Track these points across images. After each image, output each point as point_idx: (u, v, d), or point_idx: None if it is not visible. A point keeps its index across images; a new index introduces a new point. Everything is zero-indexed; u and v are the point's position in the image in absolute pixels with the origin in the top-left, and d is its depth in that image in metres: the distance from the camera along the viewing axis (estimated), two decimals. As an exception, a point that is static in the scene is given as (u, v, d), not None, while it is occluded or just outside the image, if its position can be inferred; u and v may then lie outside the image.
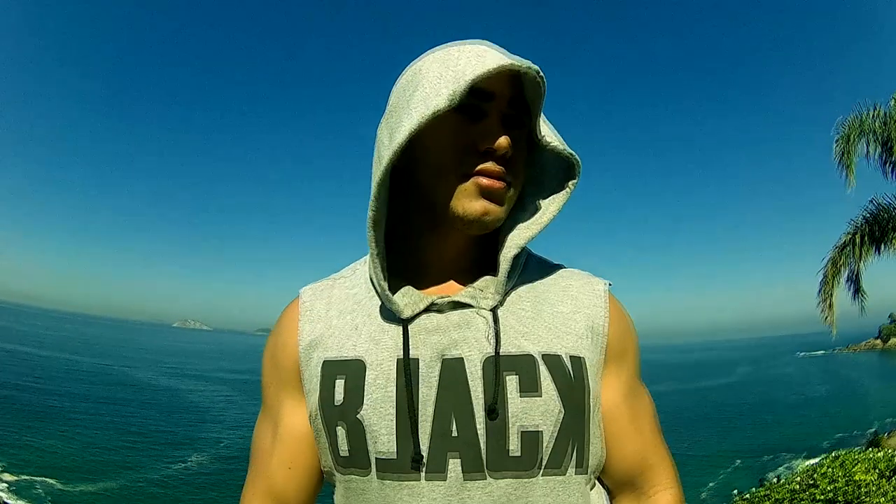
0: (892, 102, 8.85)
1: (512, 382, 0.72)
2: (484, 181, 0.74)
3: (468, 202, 0.74)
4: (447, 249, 0.82)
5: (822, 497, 4.67)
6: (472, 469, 0.70)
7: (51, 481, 29.07)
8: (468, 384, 0.72)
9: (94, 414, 46.06)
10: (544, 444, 0.72)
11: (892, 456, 5.45)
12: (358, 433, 0.73)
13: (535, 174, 0.84)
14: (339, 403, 0.74)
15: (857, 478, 4.78)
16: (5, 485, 27.36)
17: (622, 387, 0.82)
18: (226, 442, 40.08)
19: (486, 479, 0.70)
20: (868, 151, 8.82)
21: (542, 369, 0.73)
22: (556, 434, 0.72)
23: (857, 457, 5.40)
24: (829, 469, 5.11)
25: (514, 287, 0.80)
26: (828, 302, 9.22)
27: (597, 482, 0.82)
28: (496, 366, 0.72)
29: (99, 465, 32.49)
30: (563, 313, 0.79)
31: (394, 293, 0.77)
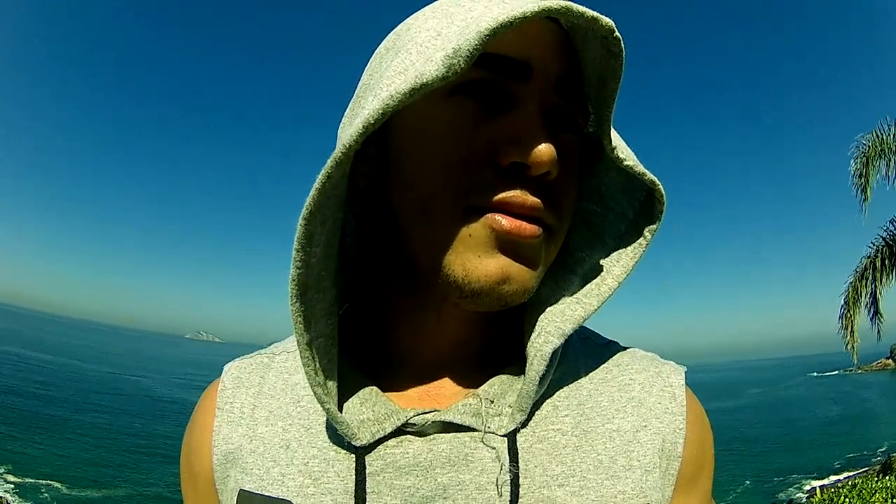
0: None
1: None
2: (506, 223, 0.42)
3: (475, 259, 0.43)
4: (438, 331, 0.50)
5: (841, 527, 4.58)
6: None
7: (57, 485, 29.18)
8: None
9: (104, 421, 46.30)
10: None
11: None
12: None
13: (590, 210, 0.53)
14: None
15: (875, 507, 4.68)
16: (10, 486, 27.53)
17: None
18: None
19: None
20: (888, 171, 8.66)
21: None
22: None
23: (874, 486, 5.28)
24: (847, 500, 5.00)
25: (546, 392, 0.49)
26: (849, 328, 9.03)
27: None
28: None
29: (106, 472, 32.59)
30: (624, 432, 0.49)
31: (348, 398, 0.48)
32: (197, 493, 0.56)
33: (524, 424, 0.47)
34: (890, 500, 4.96)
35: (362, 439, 0.45)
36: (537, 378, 0.45)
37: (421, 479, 0.44)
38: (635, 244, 0.51)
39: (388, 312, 0.52)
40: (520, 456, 0.45)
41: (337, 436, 0.47)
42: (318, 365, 0.44)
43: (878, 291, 8.97)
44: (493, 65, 0.41)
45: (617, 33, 0.39)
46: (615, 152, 0.45)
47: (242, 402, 0.54)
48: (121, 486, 30.62)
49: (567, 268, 0.51)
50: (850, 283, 9.20)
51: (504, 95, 0.42)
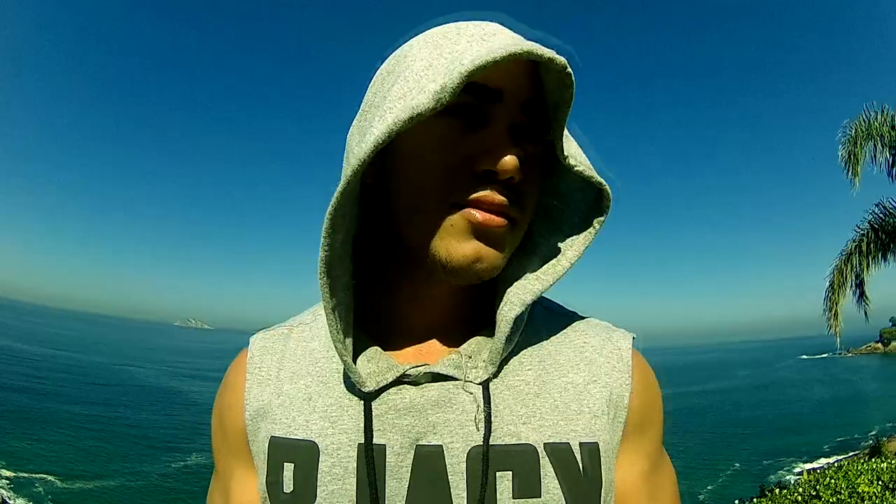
0: (902, 106, 8.71)
1: (504, 482, 0.56)
2: (479, 216, 0.54)
3: (455, 243, 0.55)
4: (427, 301, 0.63)
5: (826, 509, 4.63)
6: None
7: (50, 478, 29.17)
8: (448, 481, 0.56)
9: (95, 413, 46.20)
10: None
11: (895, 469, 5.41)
12: None
13: (550, 205, 0.66)
14: (288, 492, 0.59)
15: (860, 489, 4.73)
16: (5, 481, 27.44)
17: (642, 463, 0.64)
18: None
19: None
20: (875, 155, 8.69)
21: (546, 464, 0.57)
22: None
23: (860, 467, 5.34)
24: (832, 480, 5.07)
25: (513, 351, 0.62)
26: (833, 311, 9.11)
27: None
28: (484, 461, 0.56)
29: (99, 463, 32.61)
30: (577, 384, 0.61)
31: (357, 356, 0.60)
32: (228, 446, 0.66)
33: (495, 375, 0.59)
34: (876, 482, 5.01)
35: (369, 387, 0.57)
36: (504, 338, 0.59)
37: (416, 418, 0.57)
38: (586, 233, 0.63)
39: (387, 287, 0.64)
40: (492, 399, 0.58)
41: (349, 387, 0.60)
42: (339, 327, 0.57)
43: (864, 275, 9.04)
44: (474, 91, 0.53)
45: (569, 69, 0.51)
46: (567, 160, 0.58)
47: (269, 365, 0.66)
48: (113, 476, 30.66)
49: (529, 251, 0.63)
50: (836, 266, 9.27)
51: (480, 115, 0.54)
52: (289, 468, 0.59)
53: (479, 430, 0.57)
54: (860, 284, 9.15)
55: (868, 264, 8.92)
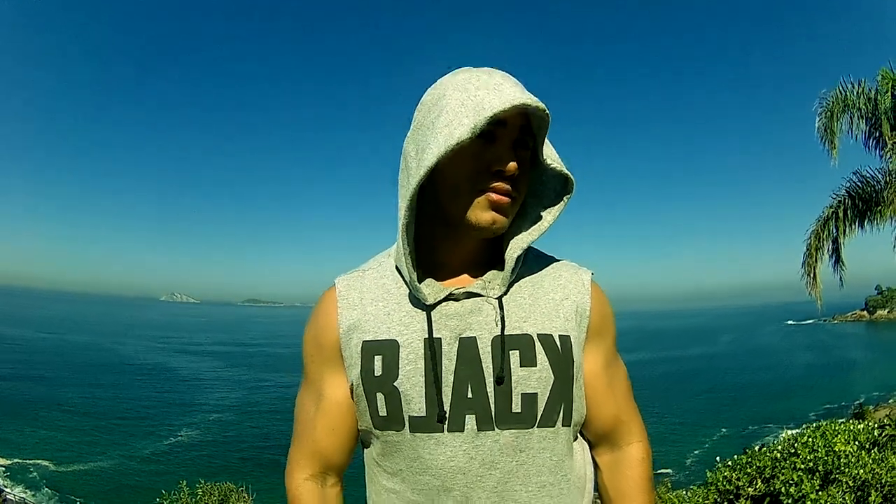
0: (879, 78, 8.88)
1: (514, 357, 0.91)
2: (494, 197, 0.89)
3: (480, 213, 0.90)
4: (461, 250, 0.98)
5: (803, 466, 4.79)
6: (484, 424, 0.90)
7: (44, 463, 29.19)
8: (480, 359, 0.91)
9: (85, 394, 45.91)
10: (539, 405, 0.91)
11: (873, 428, 5.60)
12: (395, 399, 0.91)
13: (536, 188, 1.00)
14: (378, 375, 0.92)
15: (837, 448, 4.90)
16: (0, 469, 27.44)
17: (601, 358, 1.02)
18: (215, 416, 40.67)
19: (494, 430, 0.90)
20: (852, 127, 8.88)
21: (538, 346, 0.92)
22: (548, 397, 0.92)
23: (838, 428, 5.51)
24: (811, 439, 5.22)
25: (515, 280, 0.97)
26: (812, 274, 9.34)
27: (580, 435, 1.04)
28: (502, 344, 0.91)
29: (91, 445, 32.59)
30: (555, 300, 0.98)
31: (419, 284, 0.94)
32: (323, 357, 0.99)
33: (505, 293, 0.95)
34: (852, 441, 5.18)
35: (430, 301, 0.92)
36: (510, 271, 0.95)
37: (459, 320, 0.92)
38: (559, 205, 0.99)
39: (436, 243, 0.97)
40: (504, 308, 0.94)
41: (414, 304, 0.94)
42: (411, 266, 0.91)
43: (840, 240, 9.25)
44: (491, 121, 0.84)
45: (547, 111, 0.87)
46: (545, 160, 0.94)
47: (353, 296, 0.99)
48: (107, 458, 30.71)
49: (523, 216, 0.99)
50: (813, 230, 9.48)
51: (493, 135, 0.88)
52: (378, 359, 0.92)
53: (497, 326, 0.92)
54: (837, 251, 9.37)
55: (844, 230, 9.11)
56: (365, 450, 1.03)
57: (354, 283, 1.01)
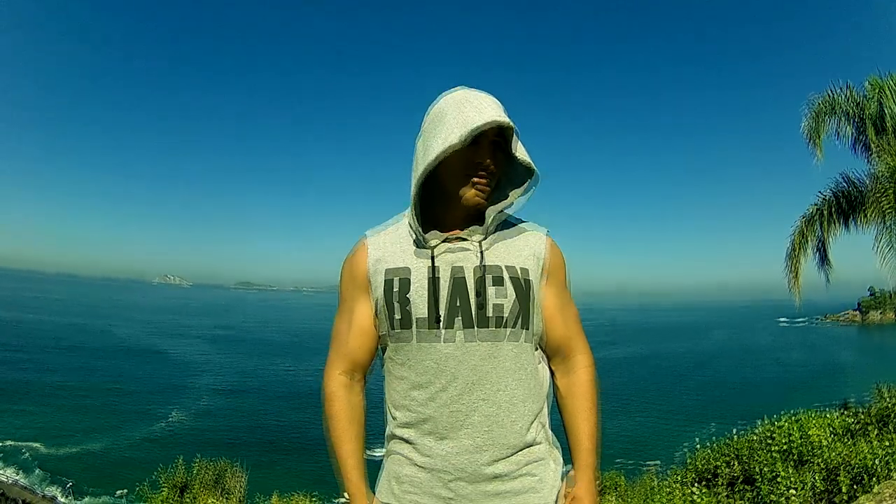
0: (867, 85, 9.09)
1: (489, 280, 1.28)
2: (477, 181, 1.29)
3: (468, 193, 1.30)
4: (454, 214, 1.34)
5: (778, 450, 5.02)
6: (467, 325, 1.26)
7: (36, 445, 29.29)
8: (465, 281, 1.28)
9: (76, 377, 45.81)
10: (505, 312, 1.28)
11: (846, 417, 5.85)
12: (407, 306, 1.28)
13: (510, 172, 1.38)
14: (396, 290, 1.29)
15: (811, 434, 5.13)
16: (-7, 451, 27.53)
17: (554, 290, 1.38)
18: (206, 399, 40.94)
19: (475, 333, 1.26)
20: (839, 130, 9.10)
21: (505, 274, 1.29)
22: (511, 306, 1.28)
23: (814, 416, 5.76)
24: (787, 425, 5.46)
25: (491, 233, 1.35)
26: (794, 272, 9.55)
27: (539, 348, 1.38)
28: (482, 272, 1.29)
29: (83, 427, 32.63)
30: (519, 247, 1.35)
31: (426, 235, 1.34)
32: (356, 285, 1.35)
33: (484, 240, 1.31)
34: (826, 428, 5.40)
35: (432, 244, 1.30)
36: (488, 225, 1.32)
37: (452, 257, 1.29)
38: (523, 187, 1.36)
39: (435, 210, 1.33)
40: (483, 249, 1.30)
41: (422, 245, 1.30)
42: (419, 223, 1.29)
43: (826, 240, 9.45)
44: (474, 133, 1.22)
45: (514, 126, 1.27)
46: (516, 154, 1.30)
47: (378, 243, 1.35)
48: (98, 440, 30.86)
49: (499, 193, 1.36)
50: (798, 228, 9.67)
51: (477, 140, 1.25)
52: (396, 280, 1.29)
53: (478, 260, 1.28)
54: (823, 250, 9.56)
55: (829, 228, 9.29)
56: (384, 355, 1.38)
57: (379, 235, 1.38)
